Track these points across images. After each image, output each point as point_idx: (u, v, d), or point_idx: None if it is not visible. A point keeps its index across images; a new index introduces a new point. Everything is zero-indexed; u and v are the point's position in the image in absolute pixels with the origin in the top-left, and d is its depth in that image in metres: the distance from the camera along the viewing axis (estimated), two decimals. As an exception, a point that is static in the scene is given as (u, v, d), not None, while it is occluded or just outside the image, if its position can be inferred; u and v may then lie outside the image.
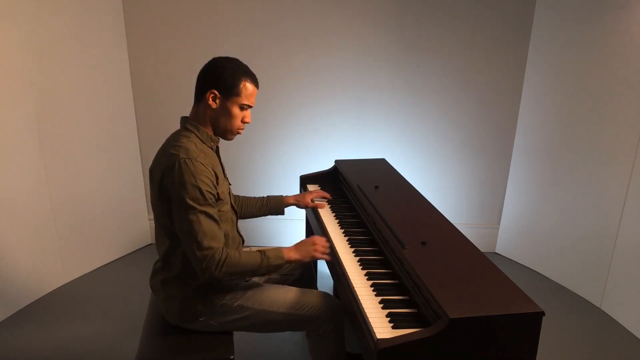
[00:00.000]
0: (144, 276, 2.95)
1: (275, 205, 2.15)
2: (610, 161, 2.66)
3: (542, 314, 1.31)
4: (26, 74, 2.54)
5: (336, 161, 2.59)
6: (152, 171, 1.65)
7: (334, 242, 1.89)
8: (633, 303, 2.56)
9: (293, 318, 1.71)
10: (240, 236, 1.84)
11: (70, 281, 2.96)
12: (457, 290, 1.38)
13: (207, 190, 1.55)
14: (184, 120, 1.70)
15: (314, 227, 2.24)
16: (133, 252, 3.34)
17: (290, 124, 3.21)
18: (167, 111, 3.15)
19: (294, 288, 1.78)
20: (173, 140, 1.63)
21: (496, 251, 3.44)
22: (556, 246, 3.04)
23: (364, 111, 3.19)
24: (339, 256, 1.78)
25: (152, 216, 3.31)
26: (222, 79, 1.61)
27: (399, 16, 3.01)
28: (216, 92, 1.62)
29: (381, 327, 1.37)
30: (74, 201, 2.89)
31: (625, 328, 2.61)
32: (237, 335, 1.86)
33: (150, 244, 3.44)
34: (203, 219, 1.54)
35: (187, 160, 1.54)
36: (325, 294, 1.77)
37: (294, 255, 1.69)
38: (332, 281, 2.76)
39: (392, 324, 1.38)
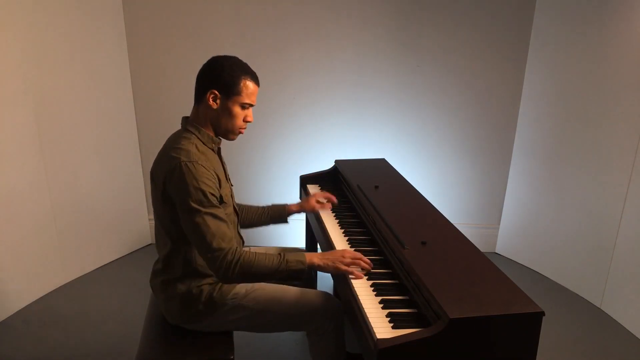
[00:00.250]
0: (144, 276, 2.95)
1: (277, 214, 2.05)
2: (610, 161, 2.66)
3: (542, 314, 1.30)
4: (26, 74, 2.54)
5: (336, 161, 2.59)
6: (153, 174, 1.63)
7: (334, 242, 1.89)
8: (633, 303, 2.56)
9: (293, 318, 1.70)
10: (241, 237, 1.83)
11: (70, 281, 2.96)
12: (457, 290, 1.38)
13: (210, 193, 1.53)
14: (184, 121, 1.68)
15: (314, 227, 2.24)
16: (133, 252, 3.34)
17: (290, 124, 3.21)
18: (167, 111, 3.16)
19: (294, 288, 1.77)
20: (174, 142, 1.61)
21: (496, 251, 3.44)
22: (556, 246, 3.04)
23: (364, 111, 3.19)
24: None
25: (152, 216, 3.32)
26: (221, 78, 1.59)
27: (399, 16, 3.01)
28: (216, 92, 1.60)
29: (381, 327, 1.36)
30: (73, 201, 2.89)
31: (625, 328, 2.61)
32: (237, 335, 1.86)
33: (150, 244, 3.44)
34: (209, 220, 1.52)
35: (188, 163, 1.52)
36: (325, 294, 1.75)
37: (316, 261, 1.61)
38: (332, 281, 2.76)
39: (392, 324, 1.38)
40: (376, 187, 2.22)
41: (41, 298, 2.77)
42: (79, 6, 2.74)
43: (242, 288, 1.72)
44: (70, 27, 2.72)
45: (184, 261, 1.64)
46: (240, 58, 1.67)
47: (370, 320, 1.40)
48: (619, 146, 2.60)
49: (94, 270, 3.10)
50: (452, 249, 1.65)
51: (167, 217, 1.60)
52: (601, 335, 2.57)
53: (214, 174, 1.58)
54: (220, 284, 1.69)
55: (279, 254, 1.60)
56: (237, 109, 1.63)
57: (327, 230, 2.00)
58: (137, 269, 3.12)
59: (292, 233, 3.28)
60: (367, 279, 1.62)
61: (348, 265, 1.63)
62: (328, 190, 2.45)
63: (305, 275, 1.61)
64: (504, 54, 3.06)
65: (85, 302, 2.75)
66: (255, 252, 1.58)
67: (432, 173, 3.30)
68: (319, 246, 2.06)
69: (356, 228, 2.02)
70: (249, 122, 1.68)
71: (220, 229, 1.54)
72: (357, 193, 2.16)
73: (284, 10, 2.99)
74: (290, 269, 1.58)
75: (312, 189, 2.49)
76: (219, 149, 1.74)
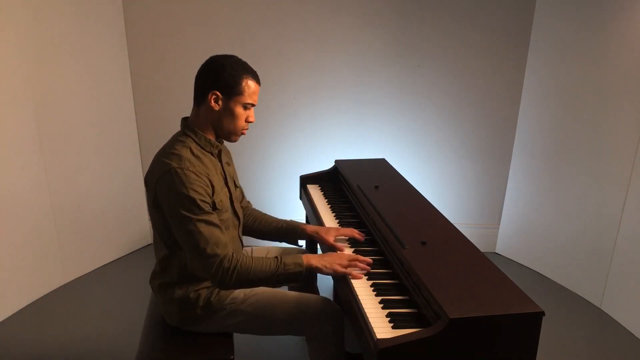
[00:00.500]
0: (144, 276, 2.95)
1: (289, 232, 1.92)
2: (610, 161, 2.66)
3: (542, 314, 1.30)
4: (26, 74, 2.54)
5: (336, 161, 2.59)
6: (147, 180, 1.60)
7: (333, 241, 1.88)
8: (633, 303, 2.56)
9: (292, 323, 1.69)
10: (240, 240, 1.81)
11: (70, 281, 2.96)
12: (457, 290, 1.38)
13: (201, 200, 1.49)
14: (183, 123, 1.65)
15: (314, 227, 2.23)
16: (133, 252, 3.34)
17: (290, 124, 3.21)
18: (167, 111, 3.16)
19: (293, 293, 1.75)
20: (168, 147, 1.58)
21: (496, 251, 3.44)
22: (556, 246, 3.04)
23: (364, 111, 3.19)
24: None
25: (152, 216, 3.31)
26: (222, 78, 1.56)
27: (399, 17, 3.01)
28: (218, 93, 1.56)
29: (381, 327, 1.36)
30: (73, 201, 2.89)
31: (625, 328, 2.61)
32: (237, 335, 1.86)
33: (150, 244, 3.44)
34: (202, 227, 1.49)
35: (177, 169, 1.49)
36: (324, 299, 1.73)
37: (314, 263, 1.59)
38: (332, 281, 2.76)
39: (392, 324, 1.38)
40: (376, 187, 2.22)
41: (41, 298, 2.77)
42: (79, 6, 2.74)
43: (240, 293, 1.70)
44: (71, 27, 2.72)
45: (181, 265, 1.62)
46: (237, 56, 1.63)
47: (370, 320, 1.39)
48: (619, 146, 2.60)
49: (94, 270, 3.10)
50: (452, 249, 1.65)
51: (161, 223, 1.58)
52: (601, 335, 2.57)
53: (206, 180, 1.54)
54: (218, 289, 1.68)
55: (276, 257, 1.58)
56: (239, 110, 1.60)
57: (327, 230, 1.99)
58: (137, 269, 3.12)
59: (292, 233, 3.27)
60: (367, 279, 1.62)
61: (346, 267, 1.62)
62: (328, 190, 2.45)
63: (303, 278, 1.60)
64: (504, 54, 3.06)
65: (85, 302, 2.75)
66: (252, 257, 1.56)
67: (432, 173, 3.30)
68: (319, 247, 2.05)
69: (356, 228, 2.01)
70: (251, 122, 1.65)
71: (214, 235, 1.50)
72: (357, 193, 2.16)
73: (284, 10, 2.99)
74: (288, 273, 1.56)
75: (312, 189, 2.49)
76: (220, 152, 1.70)
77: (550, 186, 3.02)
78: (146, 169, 3.22)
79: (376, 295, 1.53)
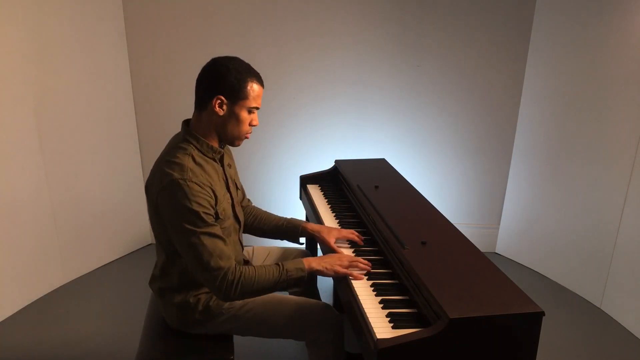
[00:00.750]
0: (144, 276, 2.95)
1: (290, 231, 1.91)
2: (610, 161, 2.66)
3: (542, 314, 1.30)
4: (26, 75, 2.54)
5: (336, 161, 2.59)
6: (148, 187, 1.56)
7: (334, 243, 1.88)
8: (633, 303, 2.56)
9: (291, 329, 1.68)
10: (241, 243, 1.79)
11: (70, 281, 2.96)
12: (457, 290, 1.38)
13: (204, 212, 1.46)
14: (184, 127, 1.60)
15: (314, 227, 2.23)
16: (133, 252, 3.34)
17: (290, 123, 3.21)
18: (167, 111, 3.16)
19: (292, 298, 1.74)
20: (169, 154, 1.53)
21: (496, 251, 3.44)
22: (556, 246, 3.04)
23: (364, 111, 3.19)
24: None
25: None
26: (227, 82, 1.50)
27: (399, 16, 3.01)
28: (223, 97, 1.51)
29: (381, 327, 1.36)
30: (73, 201, 2.90)
31: (625, 328, 2.61)
32: (237, 336, 1.86)
33: (150, 244, 3.44)
34: (206, 239, 1.46)
35: (180, 180, 1.44)
36: (324, 305, 1.72)
37: (315, 266, 1.59)
38: (331, 282, 2.76)
39: (392, 324, 1.38)
40: (376, 187, 2.22)
41: (41, 298, 2.77)
42: (79, 6, 2.74)
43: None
44: (71, 27, 2.72)
45: (180, 271, 1.61)
46: (237, 56, 1.60)
47: (370, 320, 1.40)
48: (619, 146, 2.60)
49: (94, 270, 3.10)
50: (452, 249, 1.65)
51: (162, 231, 1.56)
52: (601, 335, 2.56)
53: (209, 190, 1.50)
54: None
55: (277, 264, 1.57)
56: (244, 114, 1.56)
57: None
58: (137, 269, 3.12)
59: (292, 233, 3.28)
60: (367, 279, 1.62)
61: (347, 267, 1.62)
62: (328, 190, 2.45)
63: (305, 282, 1.59)
64: (504, 53, 3.06)
65: (85, 302, 2.75)
66: (254, 267, 1.54)
67: (432, 173, 3.30)
68: (319, 246, 2.05)
69: (356, 228, 2.01)
70: (255, 125, 1.61)
71: (218, 247, 1.48)
72: (357, 193, 2.16)
73: (284, 10, 2.99)
74: (291, 278, 1.56)
75: (312, 189, 2.49)
76: (223, 156, 1.67)
77: (550, 186, 3.02)
78: (146, 169, 3.24)
79: (376, 295, 1.53)
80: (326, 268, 1.60)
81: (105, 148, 3.02)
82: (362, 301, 1.49)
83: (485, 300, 1.34)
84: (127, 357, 2.28)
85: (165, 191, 1.46)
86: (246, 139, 1.66)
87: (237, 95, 1.53)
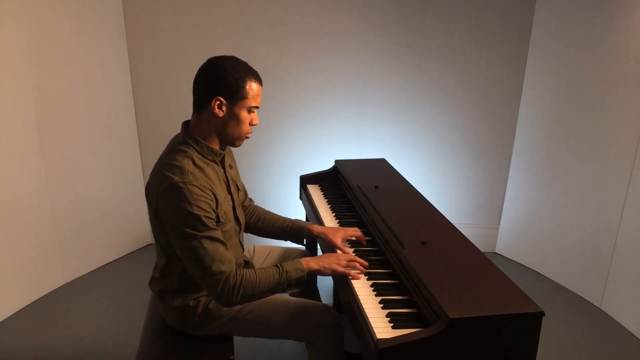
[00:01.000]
0: (144, 276, 2.95)
1: (295, 232, 1.90)
2: (610, 161, 2.66)
3: (542, 314, 1.30)
4: (26, 75, 2.54)
5: (336, 161, 2.59)
6: (148, 191, 1.54)
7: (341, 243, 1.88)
8: (633, 303, 2.56)
9: (291, 331, 1.68)
10: (241, 245, 1.78)
11: (70, 281, 2.96)
12: (457, 290, 1.38)
13: (206, 216, 1.44)
14: (184, 130, 1.58)
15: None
16: (133, 252, 3.34)
17: (290, 123, 3.21)
18: (167, 111, 3.16)
19: (293, 299, 1.73)
20: (169, 157, 1.51)
21: (496, 251, 3.44)
22: (556, 246, 3.04)
23: (364, 111, 3.19)
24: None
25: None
26: (225, 82, 1.48)
27: (399, 16, 3.01)
28: (222, 98, 1.49)
29: (381, 327, 1.36)
30: (74, 201, 2.90)
31: (625, 328, 2.61)
32: (237, 337, 1.86)
33: (150, 244, 3.44)
34: (207, 243, 1.44)
35: (181, 184, 1.43)
36: (324, 307, 1.72)
37: (314, 266, 1.58)
38: (332, 282, 2.76)
39: (392, 324, 1.38)
40: (376, 187, 2.22)
41: (41, 298, 2.77)
42: (79, 6, 2.74)
43: None
44: (71, 27, 2.72)
45: (180, 274, 1.60)
46: (238, 56, 1.59)
47: (370, 320, 1.40)
48: (619, 146, 2.60)
49: (94, 270, 3.10)
50: (452, 249, 1.65)
51: (162, 234, 1.55)
52: (601, 335, 2.57)
53: (210, 193, 1.48)
54: None
55: (277, 265, 1.56)
56: (244, 114, 1.54)
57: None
58: (137, 269, 3.12)
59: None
60: (367, 279, 1.62)
61: (345, 267, 1.62)
62: (328, 190, 2.45)
63: (305, 283, 1.59)
64: (504, 53, 3.06)
65: (85, 302, 2.75)
66: (254, 270, 1.53)
67: (432, 173, 3.30)
68: (319, 247, 2.06)
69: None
70: (255, 125, 1.59)
71: (219, 252, 1.46)
72: (357, 193, 2.16)
73: (284, 10, 2.99)
74: (291, 279, 1.55)
75: (312, 189, 2.49)
76: (224, 157, 1.65)
77: (550, 186, 3.02)
78: (146, 169, 3.24)
79: (376, 295, 1.53)
80: (324, 267, 1.60)
81: (105, 148, 3.02)
82: (362, 301, 1.49)
83: (485, 300, 1.34)
84: (127, 357, 2.29)
85: (166, 195, 1.45)
86: (247, 139, 1.64)
87: (236, 95, 1.51)
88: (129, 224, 3.28)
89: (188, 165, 1.48)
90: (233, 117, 1.53)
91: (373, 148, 3.24)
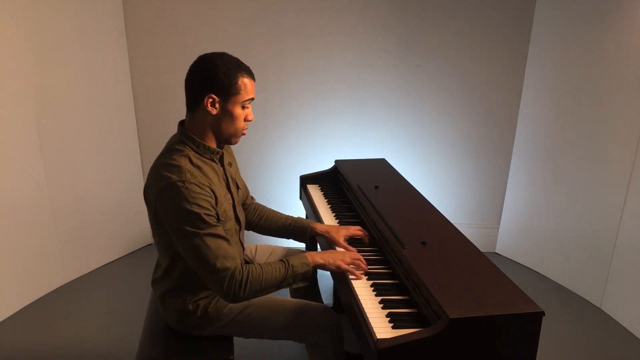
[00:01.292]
0: (144, 276, 2.96)
1: (298, 231, 1.89)
2: (610, 161, 2.66)
3: (542, 314, 1.30)
4: (26, 75, 2.54)
5: (336, 161, 2.59)
6: (146, 192, 1.53)
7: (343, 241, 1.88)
8: (633, 303, 2.56)
9: (291, 331, 1.68)
10: (242, 244, 1.77)
11: (70, 281, 2.96)
12: (457, 290, 1.38)
13: (206, 214, 1.43)
14: (180, 129, 1.57)
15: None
16: (133, 252, 3.34)
17: (290, 123, 3.21)
18: (167, 111, 3.16)
19: (293, 300, 1.73)
20: (166, 157, 1.50)
21: (496, 251, 3.44)
22: (556, 246, 3.04)
23: (364, 111, 3.19)
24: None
25: (152, 216, 3.31)
26: (217, 79, 1.47)
27: (400, 16, 3.01)
28: (214, 96, 1.48)
29: (381, 327, 1.37)
30: (74, 201, 2.90)
31: (625, 328, 2.61)
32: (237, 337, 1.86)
33: (150, 244, 3.43)
34: (209, 240, 1.43)
35: (178, 183, 1.41)
36: (323, 308, 1.72)
37: (319, 260, 1.58)
38: (332, 281, 2.76)
39: (392, 324, 1.38)
40: (376, 187, 2.22)
41: (41, 298, 2.77)
42: (79, 6, 2.74)
43: (237, 304, 1.67)
44: (71, 27, 2.72)
45: (180, 276, 1.60)
46: (238, 56, 1.58)
47: (370, 320, 1.40)
48: (619, 146, 2.60)
49: (94, 270, 3.10)
50: (452, 249, 1.65)
51: (162, 236, 1.54)
52: (601, 335, 2.57)
53: (209, 191, 1.47)
54: (216, 299, 1.65)
55: (282, 260, 1.56)
56: (237, 110, 1.53)
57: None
58: (137, 269, 3.12)
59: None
60: (367, 279, 1.62)
61: (348, 265, 1.62)
62: (328, 190, 2.45)
63: (310, 277, 1.59)
64: (504, 53, 3.06)
65: (85, 302, 2.75)
66: (260, 265, 1.52)
67: (432, 173, 3.30)
68: (318, 246, 2.06)
69: (356, 228, 2.02)
70: (250, 121, 1.58)
71: (222, 248, 1.45)
72: (357, 193, 2.16)
73: (284, 9, 2.99)
74: (297, 273, 1.54)
75: (312, 189, 2.49)
76: (223, 155, 1.64)
77: (550, 186, 3.02)
78: (146, 169, 3.24)
79: (376, 295, 1.53)
80: (329, 262, 1.60)
81: (105, 148, 3.02)
82: (362, 301, 1.49)
83: (485, 300, 1.34)
84: (127, 357, 2.29)
85: (164, 194, 1.44)
86: (244, 136, 1.63)
87: (228, 91, 1.49)
88: (129, 224, 3.28)
89: (185, 164, 1.47)
90: (227, 114, 1.52)
91: (373, 148, 3.24)
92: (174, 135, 1.62)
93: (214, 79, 1.48)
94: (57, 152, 2.76)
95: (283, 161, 3.28)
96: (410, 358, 1.26)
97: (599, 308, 2.79)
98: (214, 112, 1.51)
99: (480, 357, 1.31)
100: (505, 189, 3.32)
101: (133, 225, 3.31)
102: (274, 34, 3.03)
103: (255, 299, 1.68)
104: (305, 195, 2.47)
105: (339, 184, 2.52)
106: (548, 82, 2.96)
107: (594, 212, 2.77)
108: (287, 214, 1.99)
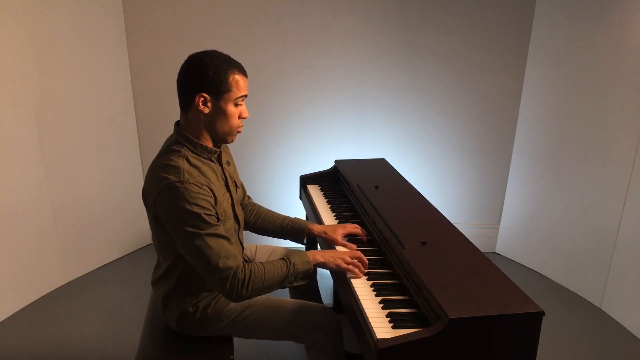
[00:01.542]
0: (144, 276, 2.96)
1: (295, 232, 1.89)
2: (610, 161, 2.66)
3: (542, 314, 1.30)
4: (26, 75, 2.54)
5: (336, 161, 2.59)
6: (144, 194, 1.53)
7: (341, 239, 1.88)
8: (633, 303, 2.56)
9: (291, 331, 1.68)
10: (241, 244, 1.77)
11: (70, 281, 2.96)
12: (457, 290, 1.38)
13: (206, 213, 1.43)
14: (176, 130, 1.56)
15: (314, 227, 2.23)
16: (133, 252, 3.34)
17: (290, 123, 3.21)
18: (167, 111, 3.15)
19: (293, 301, 1.73)
20: (163, 158, 1.50)
21: (496, 251, 3.44)
22: (556, 246, 3.04)
23: (364, 111, 3.19)
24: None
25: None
26: (207, 77, 1.46)
27: (400, 16, 3.01)
28: (205, 94, 1.47)
29: (381, 327, 1.37)
30: (74, 201, 2.90)
31: (625, 328, 2.61)
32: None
33: (150, 244, 3.43)
34: (211, 240, 1.42)
35: (177, 183, 1.41)
36: (323, 308, 1.72)
37: (319, 258, 1.58)
38: (332, 281, 2.76)
39: (392, 324, 1.38)
40: (376, 187, 2.22)
41: (41, 298, 2.77)
42: (79, 6, 2.74)
43: (236, 304, 1.67)
44: (71, 27, 2.72)
45: (180, 277, 1.59)
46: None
47: (370, 320, 1.40)
48: (619, 146, 2.60)
49: (94, 270, 3.10)
50: (452, 249, 1.65)
51: (162, 238, 1.54)
52: (601, 335, 2.57)
53: (208, 191, 1.46)
54: (215, 300, 1.65)
55: (283, 258, 1.56)
56: (230, 108, 1.51)
57: (327, 230, 1.99)
58: (137, 269, 3.12)
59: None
60: (367, 279, 1.62)
61: (348, 263, 1.62)
62: (328, 191, 2.45)
63: (310, 276, 1.59)
64: (504, 53, 3.06)
65: (85, 302, 2.75)
66: (262, 263, 1.52)
67: (432, 173, 3.30)
68: (318, 246, 2.05)
69: (356, 228, 2.02)
70: (245, 118, 1.57)
71: (224, 248, 1.44)
72: (357, 193, 2.16)
73: (284, 9, 2.99)
74: (298, 271, 1.55)
75: (312, 189, 2.49)
76: (221, 154, 1.63)
77: (550, 186, 3.02)
78: (146, 169, 3.23)
79: (376, 295, 1.53)
80: (329, 260, 1.60)
81: (105, 148, 3.03)
82: (362, 301, 1.49)
83: (485, 300, 1.34)
84: (127, 357, 2.29)
85: (163, 196, 1.43)
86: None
87: (219, 89, 1.48)
88: (129, 224, 3.28)
89: (183, 164, 1.47)
90: (220, 112, 1.51)
91: (373, 148, 3.25)
92: (171, 136, 1.61)
93: (204, 77, 1.46)
94: (57, 152, 2.76)
95: (283, 161, 3.28)
96: (410, 358, 1.26)
97: (599, 308, 2.79)
98: (206, 110, 1.50)
99: (480, 357, 1.31)
100: (505, 189, 3.32)
101: (133, 225, 3.31)
102: (273, 34, 3.03)
103: (255, 300, 1.69)
104: (305, 195, 2.47)
105: (339, 184, 2.52)
106: (548, 82, 2.96)
107: (594, 212, 2.77)
108: (287, 214, 1.99)
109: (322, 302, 2.11)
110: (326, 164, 2.80)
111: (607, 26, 2.60)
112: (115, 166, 3.11)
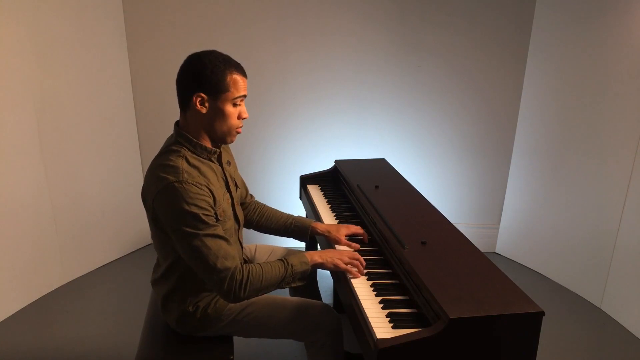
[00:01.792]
0: (144, 276, 2.96)
1: (299, 230, 1.89)
2: (610, 161, 2.66)
3: (542, 314, 1.30)
4: (26, 75, 2.54)
5: (336, 161, 2.59)
6: (144, 194, 1.53)
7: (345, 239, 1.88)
8: (633, 303, 2.56)
9: (291, 330, 1.68)
10: (240, 243, 1.76)
11: (70, 281, 2.96)
12: (457, 290, 1.38)
13: (205, 214, 1.42)
14: (175, 130, 1.56)
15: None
16: (133, 252, 3.34)
17: (290, 123, 3.21)
18: (167, 111, 3.15)
19: (292, 298, 1.73)
20: (162, 158, 1.50)
21: (496, 251, 3.44)
22: (556, 246, 3.04)
23: (364, 111, 3.19)
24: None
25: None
26: (205, 77, 1.45)
27: (400, 16, 3.01)
28: (203, 94, 1.46)
29: (381, 327, 1.37)
30: (74, 201, 2.90)
31: (625, 328, 2.61)
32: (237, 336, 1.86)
33: (150, 244, 3.43)
34: (209, 241, 1.42)
35: (176, 183, 1.40)
36: (324, 307, 1.72)
37: (317, 259, 1.59)
38: (332, 281, 2.76)
39: (392, 324, 1.38)
40: (376, 187, 2.22)
41: (41, 298, 2.77)
42: (79, 6, 2.74)
43: (236, 304, 1.67)
44: (71, 27, 2.72)
45: (180, 277, 1.59)
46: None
47: (370, 320, 1.40)
48: (619, 146, 2.60)
49: (94, 270, 3.10)
50: (452, 249, 1.65)
51: (162, 238, 1.54)
52: (601, 335, 2.57)
53: (207, 191, 1.46)
54: (216, 300, 1.65)
55: (281, 259, 1.56)
56: (229, 108, 1.50)
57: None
58: (137, 269, 3.12)
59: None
60: (367, 279, 1.62)
61: (347, 263, 1.63)
62: (328, 191, 2.45)
63: (308, 276, 1.59)
64: (504, 53, 3.06)
65: (85, 302, 2.75)
66: (260, 264, 1.52)
67: (432, 173, 3.30)
68: (318, 246, 2.06)
69: (356, 228, 2.02)
70: (245, 118, 1.56)
71: (222, 248, 1.44)
72: (357, 193, 2.16)
73: (284, 9, 2.99)
74: (296, 272, 1.55)
75: (312, 189, 2.49)
76: (221, 154, 1.63)
77: (550, 186, 3.02)
78: (146, 169, 3.23)
79: (376, 295, 1.53)
80: (327, 261, 1.61)
81: (105, 148, 3.03)
82: (362, 301, 1.49)
83: (485, 300, 1.34)
84: (127, 357, 2.29)
85: (162, 196, 1.43)
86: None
87: (216, 89, 1.46)
88: (129, 224, 3.28)
89: (182, 164, 1.46)
90: (218, 112, 1.50)
91: (373, 148, 3.25)
92: (171, 136, 1.61)
93: (201, 77, 1.45)
94: (57, 152, 2.76)
95: (283, 161, 3.28)
96: (410, 358, 1.26)
97: (599, 308, 2.79)
98: (204, 110, 1.49)
99: (480, 357, 1.31)
100: (505, 189, 3.32)
101: (133, 225, 3.31)
102: (274, 34, 3.03)
103: (255, 299, 1.68)
104: (305, 195, 2.47)
105: (339, 184, 2.52)
106: (548, 82, 2.96)
107: (594, 212, 2.78)
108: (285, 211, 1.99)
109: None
110: (326, 164, 2.80)
111: (607, 26, 2.60)
112: (115, 166, 3.11)
